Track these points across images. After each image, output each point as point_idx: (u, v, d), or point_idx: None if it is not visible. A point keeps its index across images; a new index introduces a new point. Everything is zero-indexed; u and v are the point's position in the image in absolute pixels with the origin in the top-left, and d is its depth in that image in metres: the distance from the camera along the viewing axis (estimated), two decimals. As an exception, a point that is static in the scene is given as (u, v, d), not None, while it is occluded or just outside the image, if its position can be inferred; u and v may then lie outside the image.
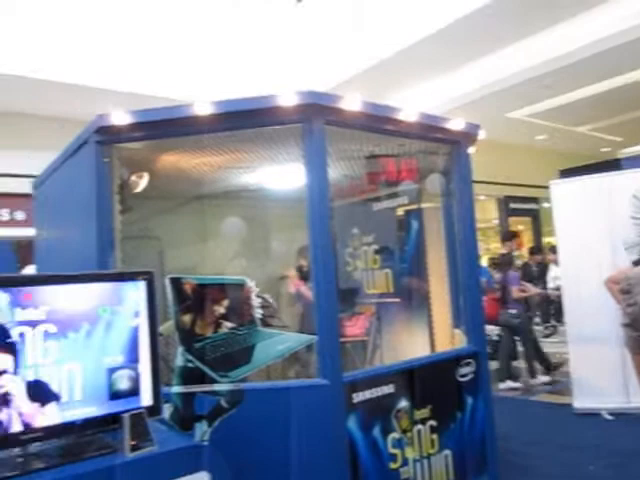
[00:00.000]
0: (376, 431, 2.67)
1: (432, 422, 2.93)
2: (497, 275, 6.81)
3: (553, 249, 8.75)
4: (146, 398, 1.92)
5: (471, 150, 3.38)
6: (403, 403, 2.80)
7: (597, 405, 4.87)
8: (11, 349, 1.67)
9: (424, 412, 2.90)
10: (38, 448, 1.76)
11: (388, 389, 2.74)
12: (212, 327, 2.49)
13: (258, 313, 2.64)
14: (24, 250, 5.84)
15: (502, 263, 6.84)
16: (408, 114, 2.90)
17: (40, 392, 1.73)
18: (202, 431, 2.45)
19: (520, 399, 5.79)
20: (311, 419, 2.48)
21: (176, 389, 2.46)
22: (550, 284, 9.00)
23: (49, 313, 1.75)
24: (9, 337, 1.67)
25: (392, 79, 7.71)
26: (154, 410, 1.93)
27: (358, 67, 7.39)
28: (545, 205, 11.96)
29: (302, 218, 2.84)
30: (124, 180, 2.86)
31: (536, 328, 7.94)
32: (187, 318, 2.45)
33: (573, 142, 11.61)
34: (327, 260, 2.59)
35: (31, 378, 1.70)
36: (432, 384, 2.97)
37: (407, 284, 3.97)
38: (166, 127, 2.62)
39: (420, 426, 2.88)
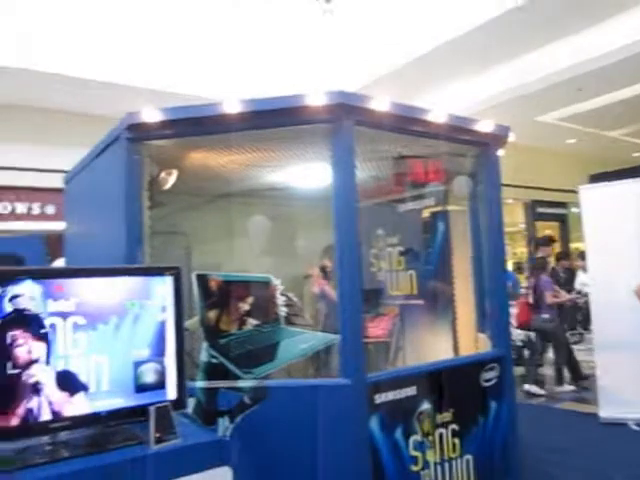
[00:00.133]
0: (398, 433, 2.66)
1: (454, 426, 2.91)
2: (530, 279, 6.73)
3: (581, 255, 8.60)
4: (171, 392, 1.95)
5: (500, 153, 3.35)
6: (425, 406, 2.79)
7: (623, 415, 4.76)
8: (43, 339, 1.71)
9: (446, 415, 2.88)
10: (66, 437, 1.80)
11: (411, 391, 2.73)
12: (237, 324, 2.52)
13: (282, 311, 2.66)
14: (54, 243, 5.96)
15: (536, 267, 6.75)
16: (437, 115, 2.88)
17: (69, 382, 1.77)
18: (225, 426, 2.48)
19: (544, 406, 5.70)
20: (333, 418, 2.49)
21: (200, 384, 2.49)
22: (577, 289, 8.85)
23: (79, 305, 1.79)
24: (42, 327, 1.71)
25: (420, 81, 7.68)
26: (179, 404, 1.96)
27: (386, 68, 7.38)
28: (573, 210, 11.77)
29: (327, 218, 2.85)
30: (153, 177, 2.91)
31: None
32: (212, 314, 2.49)
33: (604, 146, 11.38)
34: (352, 260, 2.59)
35: (61, 368, 1.74)
36: (455, 388, 2.95)
37: (431, 286, 3.94)
38: (195, 125, 2.65)
39: (442, 430, 2.86)
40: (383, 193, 4.25)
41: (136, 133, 2.69)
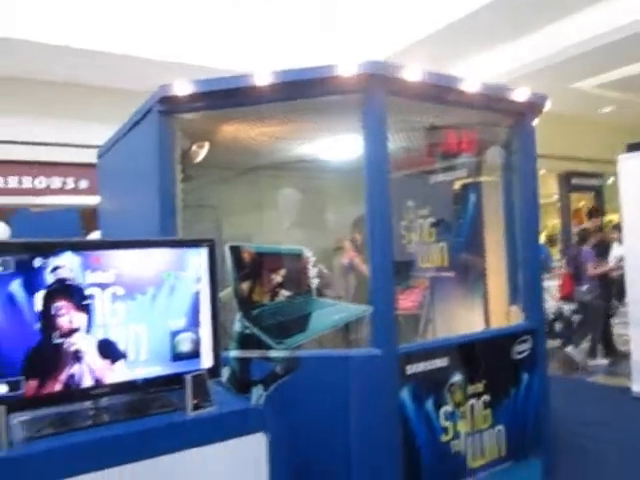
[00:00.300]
0: (429, 403, 2.68)
1: (486, 397, 2.92)
2: (567, 251, 6.65)
3: (616, 227, 8.41)
4: (206, 360, 2.00)
5: (536, 122, 3.26)
6: (457, 377, 2.79)
7: (658, 389, 4.70)
8: (84, 309, 1.76)
9: (478, 387, 2.88)
10: (107, 403, 1.87)
11: (442, 362, 2.74)
12: (269, 295, 2.54)
13: (314, 283, 2.68)
14: (89, 217, 6.09)
15: (579, 239, 6.65)
16: (471, 84, 2.81)
17: (109, 350, 1.82)
18: (258, 395, 2.52)
19: (577, 380, 5.66)
20: (364, 389, 2.51)
21: (233, 354, 2.54)
22: (612, 263, 8.67)
23: (117, 276, 1.83)
24: (83, 297, 1.76)
25: (451, 49, 7.47)
26: (214, 372, 2.00)
27: (416, 36, 7.20)
28: (609, 181, 11.44)
29: (357, 190, 2.83)
30: (185, 150, 2.92)
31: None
32: (245, 285, 2.51)
33: (642, 115, 10.98)
34: (384, 231, 2.58)
35: (101, 337, 1.80)
36: (487, 359, 2.94)
37: (462, 258, 3.91)
38: (227, 97, 2.65)
39: (473, 401, 2.87)
40: (414, 164, 4.20)
41: (168, 106, 2.70)
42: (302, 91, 2.61)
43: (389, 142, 2.78)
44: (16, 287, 1.66)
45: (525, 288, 3.25)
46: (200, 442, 1.79)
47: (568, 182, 11.73)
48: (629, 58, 7.74)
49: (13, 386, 1.63)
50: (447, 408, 2.75)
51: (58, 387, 1.71)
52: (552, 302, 7.38)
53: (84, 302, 1.76)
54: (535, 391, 3.14)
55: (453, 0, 6.65)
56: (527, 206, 3.24)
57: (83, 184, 8.21)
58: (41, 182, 8.00)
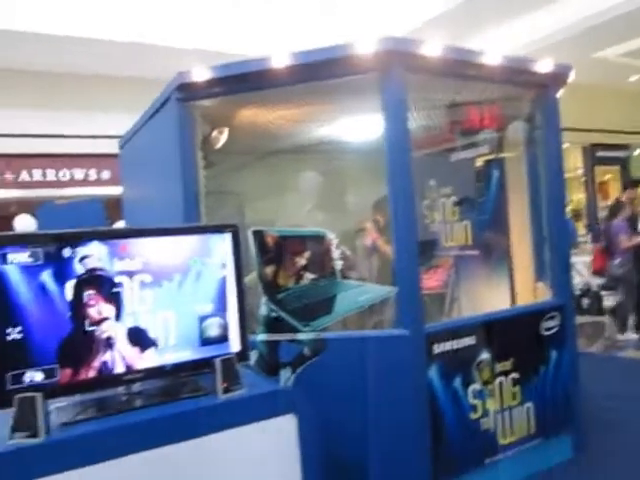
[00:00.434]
0: (457, 382, 2.68)
1: (514, 374, 2.90)
2: (599, 225, 6.55)
3: (643, 199, 8.22)
4: (234, 344, 2.01)
5: (560, 94, 3.19)
6: (485, 355, 2.78)
7: (690, 363, 4.62)
8: (113, 296, 1.79)
9: (506, 364, 2.87)
10: (139, 388, 1.90)
11: (470, 341, 2.73)
12: (294, 278, 2.55)
13: (338, 265, 2.68)
14: (112, 207, 6.17)
15: (610, 212, 6.53)
16: (493, 57, 2.75)
17: (139, 337, 1.85)
18: (286, 377, 2.55)
19: (605, 355, 5.59)
20: (392, 369, 2.52)
21: (261, 337, 2.57)
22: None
23: (144, 264, 1.85)
24: (111, 285, 1.78)
25: (469, 22, 7.32)
26: (242, 356, 2.02)
27: (434, 10, 7.06)
28: (636, 153, 11.17)
29: (378, 170, 2.81)
30: (205, 136, 2.93)
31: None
32: (270, 270, 2.53)
33: (673, 83, 10.65)
34: (408, 210, 2.56)
35: (131, 324, 1.82)
36: (515, 337, 2.93)
37: (487, 236, 3.86)
38: (245, 81, 2.64)
39: (502, 378, 2.86)
40: (434, 143, 4.14)
41: (186, 93, 2.70)
42: (320, 72, 2.58)
43: (409, 121, 2.75)
44: (47, 277, 1.69)
45: (552, 264, 3.20)
46: (231, 424, 1.81)
47: (593, 155, 11.47)
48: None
49: (48, 374, 1.67)
50: (475, 386, 2.75)
51: (92, 374, 1.75)
52: (578, 278, 7.28)
53: (113, 290, 1.78)
54: (564, 368, 3.12)
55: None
56: (553, 180, 3.18)
57: (105, 175, 8.30)
58: (65, 174, 8.11)
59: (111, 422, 1.69)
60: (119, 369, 1.80)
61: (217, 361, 1.89)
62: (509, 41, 7.56)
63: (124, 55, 7.05)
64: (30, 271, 1.67)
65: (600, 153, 11.54)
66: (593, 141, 11.29)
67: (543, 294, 3.36)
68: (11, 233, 1.76)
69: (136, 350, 1.84)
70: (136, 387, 1.89)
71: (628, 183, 7.42)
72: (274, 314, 2.55)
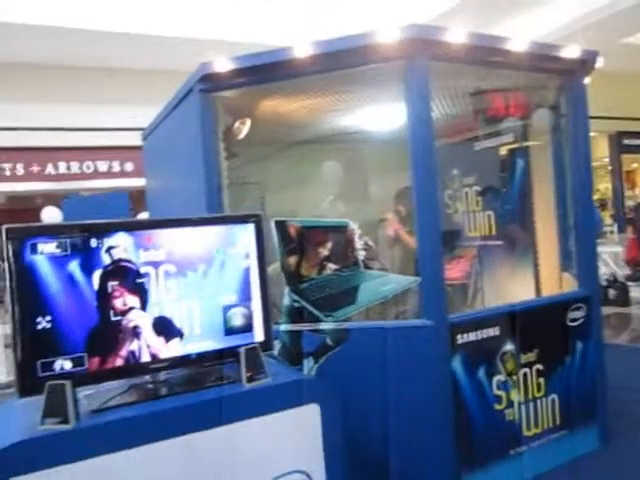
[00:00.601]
0: (481, 373, 2.66)
1: (539, 366, 2.87)
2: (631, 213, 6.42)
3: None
4: (258, 334, 2.03)
5: (587, 81, 3.12)
6: (509, 346, 2.76)
7: None
8: (139, 286, 1.81)
9: (531, 356, 2.84)
10: (165, 377, 1.93)
11: (494, 331, 2.70)
12: (316, 269, 2.56)
13: (361, 255, 2.68)
14: (136, 199, 6.24)
15: None
16: (518, 43, 2.70)
17: (165, 326, 1.87)
18: (309, 367, 2.57)
19: (632, 347, 5.50)
20: (415, 359, 2.51)
21: (284, 327, 2.58)
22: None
23: (169, 254, 1.87)
24: (137, 275, 1.81)
25: (492, 9, 7.19)
26: (266, 345, 2.03)
27: (451, 2, 6.96)
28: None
29: (400, 160, 2.79)
30: (228, 127, 2.94)
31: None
32: (292, 260, 2.54)
33: None
34: (431, 200, 2.54)
35: (157, 314, 1.85)
36: (540, 328, 2.89)
37: (511, 226, 3.82)
38: (267, 71, 2.63)
39: (526, 369, 2.83)
40: (457, 132, 4.10)
41: (209, 84, 2.71)
42: (343, 61, 2.56)
43: (432, 109, 2.72)
44: (74, 267, 1.72)
45: (579, 254, 3.15)
46: (255, 413, 1.83)
47: (619, 143, 11.24)
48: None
49: (77, 362, 1.70)
50: (499, 377, 2.73)
51: (119, 362, 1.78)
52: (604, 268, 7.18)
53: (138, 281, 1.81)
54: (590, 359, 3.07)
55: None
56: (580, 169, 3.12)
57: (129, 167, 8.40)
58: (89, 167, 8.22)
59: (138, 410, 1.72)
60: (145, 358, 1.83)
61: (241, 350, 1.91)
62: (534, 28, 7.41)
63: (147, 47, 7.10)
64: (58, 261, 1.70)
65: (627, 141, 11.29)
66: (620, 129, 11.05)
67: (569, 285, 3.32)
68: (40, 224, 1.80)
69: (161, 339, 1.86)
70: (162, 376, 1.92)
71: None
72: (297, 304, 2.56)
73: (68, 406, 1.60)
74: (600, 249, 6.43)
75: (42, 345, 1.66)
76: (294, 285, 2.53)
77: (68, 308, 1.70)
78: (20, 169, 7.85)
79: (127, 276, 1.80)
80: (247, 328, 2.01)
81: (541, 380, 2.89)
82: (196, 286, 1.91)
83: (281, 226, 2.49)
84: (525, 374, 2.83)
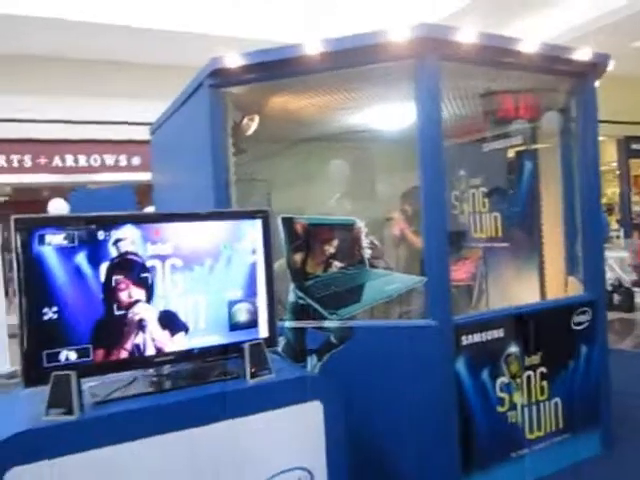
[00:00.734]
0: (484, 374, 2.66)
1: (543, 369, 2.86)
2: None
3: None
4: (263, 330, 2.03)
5: (597, 84, 3.10)
6: (513, 348, 2.75)
7: None
8: (145, 279, 1.82)
9: (535, 358, 2.83)
10: (169, 370, 1.93)
11: (498, 333, 2.70)
12: (322, 266, 2.56)
13: (367, 254, 2.67)
14: (142, 193, 6.25)
15: None
16: (529, 45, 2.69)
17: (170, 320, 1.87)
18: (313, 364, 2.57)
19: (635, 352, 5.47)
20: (419, 359, 2.51)
21: (288, 324, 2.58)
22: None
23: (176, 248, 1.88)
24: (144, 268, 1.81)
25: (502, 10, 7.16)
26: (270, 341, 2.03)
27: (462, 3, 6.92)
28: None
29: (407, 160, 2.78)
30: (236, 123, 2.94)
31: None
32: (298, 257, 2.54)
33: None
34: (439, 200, 2.54)
35: (162, 308, 1.85)
36: (545, 331, 2.88)
37: (517, 228, 3.81)
38: (277, 68, 2.63)
39: (530, 372, 2.82)
40: (466, 132, 4.09)
41: (219, 79, 2.70)
42: (353, 59, 2.56)
43: (441, 109, 2.71)
44: (81, 259, 1.72)
45: (585, 258, 3.14)
46: (258, 409, 1.84)
47: (628, 147, 11.17)
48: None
49: (82, 353, 1.71)
50: (503, 379, 2.72)
51: (124, 355, 1.78)
52: (610, 273, 7.14)
53: (146, 274, 1.81)
54: (594, 364, 3.06)
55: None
56: (588, 173, 3.10)
57: (136, 161, 8.41)
58: (96, 160, 8.24)
59: (142, 402, 1.73)
60: (150, 351, 1.83)
61: (246, 346, 1.91)
62: (544, 29, 7.38)
63: (157, 42, 7.11)
64: (66, 253, 1.70)
65: (635, 146, 11.22)
66: (628, 133, 10.99)
67: (574, 288, 3.31)
68: (48, 215, 1.80)
69: (166, 333, 1.87)
70: (166, 369, 1.92)
71: None
72: (302, 301, 2.56)
73: (73, 397, 1.61)
74: (606, 254, 6.41)
75: (48, 336, 1.66)
76: (299, 282, 2.53)
77: (74, 299, 1.70)
78: (28, 161, 7.88)
79: (134, 269, 1.80)
80: (252, 324, 2.01)
81: (545, 383, 2.88)
82: (202, 280, 1.92)
83: (288, 223, 2.49)
84: (529, 377, 2.83)
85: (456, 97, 3.27)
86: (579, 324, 3.00)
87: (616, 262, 7.41)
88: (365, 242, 2.69)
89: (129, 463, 1.63)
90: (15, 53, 7.27)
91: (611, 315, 5.99)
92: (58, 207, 6.49)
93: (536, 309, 2.96)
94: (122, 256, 1.78)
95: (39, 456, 1.52)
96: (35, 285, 1.65)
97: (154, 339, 1.85)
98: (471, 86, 3.15)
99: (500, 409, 2.72)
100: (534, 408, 2.85)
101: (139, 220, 1.85)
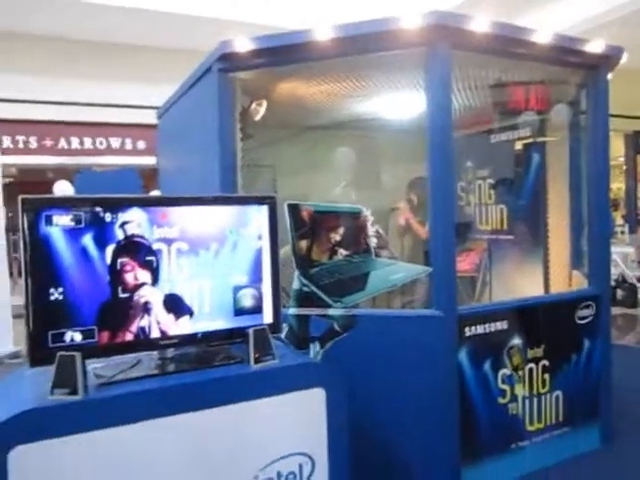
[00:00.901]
0: (487, 366, 2.66)
1: (545, 362, 2.87)
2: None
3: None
4: (267, 316, 2.03)
5: (610, 76, 3.07)
6: (516, 341, 2.75)
7: None
8: (151, 263, 1.82)
9: (537, 351, 2.84)
10: (173, 354, 1.94)
11: (501, 325, 2.70)
12: (327, 254, 2.55)
13: (372, 242, 2.67)
14: (148, 177, 6.25)
15: None
16: (542, 35, 2.66)
17: (175, 304, 1.88)
18: (316, 352, 2.57)
19: (638, 347, 5.47)
20: (423, 348, 2.51)
21: (292, 311, 2.58)
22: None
23: (182, 232, 1.87)
24: (150, 251, 1.81)
25: (511, 5, 7.08)
26: (274, 328, 2.04)
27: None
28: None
29: (414, 149, 2.77)
30: (244, 108, 2.92)
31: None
32: (304, 244, 2.53)
33: None
34: (447, 191, 2.52)
35: (167, 291, 1.85)
36: (548, 324, 2.88)
37: (523, 221, 3.79)
38: (287, 53, 2.61)
39: (532, 365, 2.83)
40: (474, 123, 4.06)
41: (228, 63, 2.68)
42: (363, 45, 2.53)
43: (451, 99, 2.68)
44: (88, 241, 1.72)
45: (591, 253, 3.13)
46: (261, 394, 1.85)
47: (636, 142, 11.09)
48: None
49: (87, 335, 1.71)
50: (505, 371, 2.73)
51: (129, 337, 1.78)
52: (614, 269, 7.13)
53: (152, 257, 1.81)
54: (596, 358, 3.06)
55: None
56: (597, 167, 3.08)
57: (141, 145, 8.39)
58: (101, 143, 8.22)
59: (145, 385, 1.73)
60: (155, 334, 1.84)
61: (250, 331, 1.91)
62: (556, 21, 7.30)
63: (166, 25, 7.05)
64: (73, 234, 1.70)
65: (643, 141, 11.15)
66: (637, 128, 10.91)
67: (577, 283, 3.30)
68: (55, 196, 1.80)
69: (171, 317, 1.87)
70: (170, 352, 1.93)
71: None
72: (306, 288, 2.56)
73: (77, 377, 1.61)
74: (611, 249, 6.39)
75: (53, 316, 1.67)
76: (304, 269, 2.53)
77: (80, 281, 1.70)
78: (33, 142, 7.87)
79: (140, 252, 1.80)
80: (256, 309, 2.01)
81: (546, 376, 2.89)
82: (207, 265, 1.91)
83: (294, 209, 2.48)
84: (531, 369, 2.83)
85: (465, 87, 3.24)
86: (583, 318, 3.00)
87: (620, 258, 7.38)
88: (371, 230, 2.69)
89: (131, 444, 1.65)
90: (23, 32, 7.23)
91: (614, 310, 5.99)
92: (63, 189, 6.49)
93: (540, 302, 2.96)
94: (128, 239, 1.78)
95: (43, 435, 1.53)
96: (41, 266, 1.65)
97: (159, 322, 1.85)
98: (481, 76, 3.12)
99: (501, 400, 2.73)
100: (535, 400, 2.86)
101: (146, 203, 1.84)
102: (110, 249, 1.75)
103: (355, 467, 1.99)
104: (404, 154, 3.92)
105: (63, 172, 7.87)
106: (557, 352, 2.92)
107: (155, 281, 1.83)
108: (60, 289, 1.67)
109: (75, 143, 8.09)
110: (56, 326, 1.67)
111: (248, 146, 3.01)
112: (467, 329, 2.59)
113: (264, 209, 2.03)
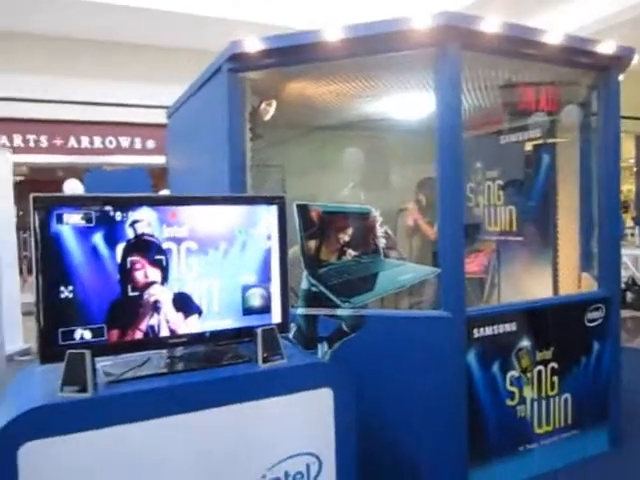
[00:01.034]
0: (495, 367, 2.65)
1: (554, 364, 2.85)
2: None
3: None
4: (276, 316, 2.03)
5: (621, 78, 3.05)
6: (525, 342, 2.74)
7: None
8: (160, 262, 1.82)
9: (547, 354, 2.82)
10: (182, 352, 1.94)
11: (510, 327, 2.69)
12: (336, 254, 2.55)
13: (381, 243, 2.67)
14: (157, 176, 6.27)
15: None
16: (553, 36, 2.64)
17: (184, 303, 1.88)
18: (324, 352, 2.57)
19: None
20: (431, 350, 2.51)
21: (300, 311, 2.59)
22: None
23: (192, 231, 1.88)
24: (159, 251, 1.82)
25: (521, 6, 7.05)
26: (283, 328, 2.04)
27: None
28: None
29: (424, 150, 2.76)
30: (254, 108, 2.93)
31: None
32: (312, 244, 2.53)
33: None
34: (456, 191, 2.52)
35: (176, 290, 1.86)
36: (557, 326, 2.86)
37: (532, 223, 3.78)
38: (296, 53, 2.61)
39: (541, 367, 2.81)
40: (483, 124, 4.05)
41: (238, 63, 2.69)
42: (373, 46, 2.53)
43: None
44: (98, 240, 1.73)
45: (601, 255, 3.11)
46: (269, 394, 1.85)
47: (646, 144, 11.00)
48: None
49: (96, 333, 1.72)
50: (513, 373, 2.72)
51: (138, 335, 1.79)
52: (624, 271, 7.08)
53: (161, 256, 1.82)
54: (606, 361, 3.05)
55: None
56: (608, 168, 3.06)
57: (150, 144, 8.43)
58: (111, 142, 8.28)
59: (154, 383, 1.74)
60: (164, 333, 1.84)
61: (259, 330, 1.91)
62: (566, 22, 7.26)
63: (176, 25, 7.09)
64: (83, 232, 1.71)
65: (654, 143, 11.05)
66: (647, 130, 10.82)
67: (587, 285, 3.28)
68: (66, 194, 1.81)
69: (180, 315, 1.88)
70: (179, 351, 1.94)
71: None
72: (314, 288, 2.56)
73: (87, 375, 1.62)
74: (621, 251, 6.35)
75: (64, 314, 1.68)
76: (312, 269, 2.53)
77: (90, 279, 1.71)
78: (44, 141, 7.93)
79: (150, 251, 1.81)
80: (265, 309, 2.02)
81: (555, 378, 2.87)
82: (217, 264, 1.92)
83: (303, 210, 2.49)
84: (540, 372, 2.82)
85: (475, 88, 3.23)
86: (592, 321, 2.98)
87: (630, 260, 7.33)
88: (380, 231, 2.69)
89: (140, 442, 1.65)
90: (36, 32, 7.29)
91: (623, 313, 5.94)
92: (73, 187, 6.53)
93: (549, 304, 2.95)
94: (138, 237, 1.79)
95: (53, 432, 1.54)
96: (52, 264, 1.66)
97: (168, 321, 1.86)
98: (491, 77, 3.11)
99: (510, 403, 2.72)
100: (544, 403, 2.84)
101: (156, 202, 1.85)
102: (120, 248, 1.76)
103: (362, 467, 1.99)
104: (413, 154, 3.92)
105: (73, 171, 7.93)
106: (566, 354, 2.90)
107: (165, 280, 1.84)
108: (70, 287, 1.68)
109: (85, 142, 8.15)
110: (66, 324, 1.69)
111: (257, 146, 3.01)
112: (475, 330, 2.58)
113: (273, 209, 2.04)
